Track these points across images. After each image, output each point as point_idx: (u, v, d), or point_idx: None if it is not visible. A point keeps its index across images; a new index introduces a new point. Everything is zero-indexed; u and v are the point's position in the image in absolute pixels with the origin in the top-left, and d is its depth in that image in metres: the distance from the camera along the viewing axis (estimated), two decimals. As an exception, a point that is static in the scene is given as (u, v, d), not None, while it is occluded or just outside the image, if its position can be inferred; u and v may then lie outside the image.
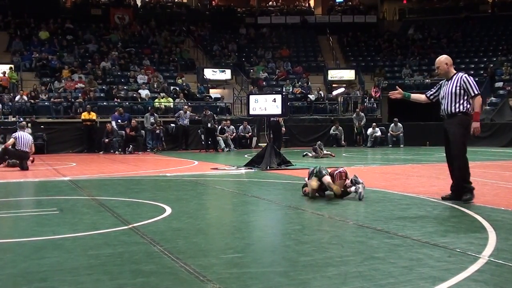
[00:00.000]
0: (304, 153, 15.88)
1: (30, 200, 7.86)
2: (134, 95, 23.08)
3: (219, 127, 20.72)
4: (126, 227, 5.13)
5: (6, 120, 19.88)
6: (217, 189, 8.71)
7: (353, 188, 6.85)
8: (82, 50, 26.82)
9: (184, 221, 5.45)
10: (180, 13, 33.69)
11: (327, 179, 6.77)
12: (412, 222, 5.18)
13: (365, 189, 6.95)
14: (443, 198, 6.56)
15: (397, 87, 7.43)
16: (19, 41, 26.33)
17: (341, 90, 26.54)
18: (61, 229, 5.08)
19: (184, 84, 25.13)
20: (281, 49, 31.03)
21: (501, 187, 7.96)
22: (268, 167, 11.45)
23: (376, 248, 4.13)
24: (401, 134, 21.49)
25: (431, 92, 6.84)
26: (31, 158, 13.37)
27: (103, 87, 23.62)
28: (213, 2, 37.69)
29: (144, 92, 23.18)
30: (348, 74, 28.89)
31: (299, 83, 27.06)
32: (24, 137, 12.55)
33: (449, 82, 6.47)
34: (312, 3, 38.76)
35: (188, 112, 20.55)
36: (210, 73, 26.93)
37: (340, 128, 22.06)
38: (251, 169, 11.56)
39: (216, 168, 11.99)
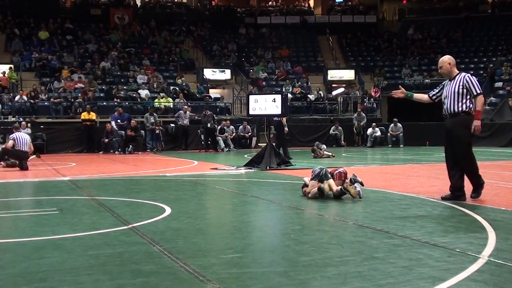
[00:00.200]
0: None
1: (30, 200, 7.85)
2: (134, 95, 23.08)
3: (219, 127, 20.73)
4: (125, 227, 5.13)
5: (6, 120, 19.87)
6: (216, 189, 8.71)
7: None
8: (82, 50, 26.82)
9: (184, 221, 5.45)
10: (180, 13, 33.69)
11: (331, 183, 6.76)
12: (411, 222, 5.18)
13: (365, 189, 6.95)
14: (443, 198, 6.57)
15: (400, 86, 7.49)
16: (18, 41, 26.32)
17: (341, 90, 26.55)
18: (61, 229, 5.07)
19: (183, 84, 25.13)
20: (281, 49, 31.03)
21: (501, 187, 7.96)
22: (268, 167, 11.45)
23: (375, 248, 4.13)
24: (401, 134, 21.49)
25: (434, 92, 6.87)
26: (37, 154, 13.44)
27: (103, 87, 23.62)
28: (213, 2, 37.69)
29: (143, 92, 23.18)
30: (348, 74, 28.91)
31: (299, 83, 27.06)
32: (22, 138, 12.57)
33: (452, 82, 6.50)
34: (311, 3, 38.75)
35: (188, 112, 20.56)
36: (209, 73, 26.94)
37: (340, 128, 22.06)
38: (251, 169, 11.55)
39: (216, 168, 11.99)
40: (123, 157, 17.11)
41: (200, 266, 3.65)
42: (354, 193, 6.55)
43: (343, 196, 6.73)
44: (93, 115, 19.89)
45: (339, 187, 6.72)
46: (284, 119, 13.70)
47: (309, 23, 34.10)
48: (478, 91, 6.37)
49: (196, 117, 20.92)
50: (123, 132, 19.21)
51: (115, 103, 21.73)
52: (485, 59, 28.95)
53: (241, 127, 21.42)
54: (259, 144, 20.62)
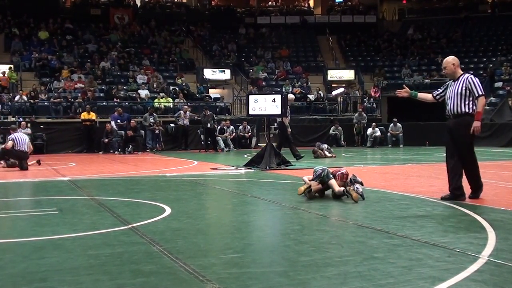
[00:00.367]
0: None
1: (29, 200, 7.85)
2: (134, 95, 23.08)
3: (219, 127, 20.73)
4: (125, 227, 5.13)
5: (5, 120, 19.87)
6: (216, 189, 8.71)
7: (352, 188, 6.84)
8: (82, 50, 26.82)
9: (184, 221, 5.45)
10: (180, 13, 33.70)
11: (333, 183, 6.74)
12: (411, 222, 5.18)
13: (365, 189, 6.95)
14: (443, 198, 6.58)
15: (404, 85, 7.52)
16: (18, 41, 26.32)
17: (341, 90, 26.55)
18: (61, 229, 5.08)
19: (183, 84, 25.13)
20: (281, 49, 31.04)
21: (501, 187, 7.96)
22: (267, 167, 11.44)
23: (375, 248, 4.13)
24: (401, 134, 21.49)
25: (438, 92, 6.89)
26: (38, 159, 13.56)
27: (103, 87, 23.63)
28: (213, 2, 37.69)
29: (143, 92, 23.18)
30: (348, 74, 28.92)
31: (299, 83, 27.06)
32: (21, 138, 12.58)
33: (456, 82, 6.55)
34: (311, 3, 38.76)
35: (187, 112, 20.56)
36: (209, 73, 26.94)
37: (339, 128, 22.06)
38: (251, 169, 11.55)
39: (216, 168, 11.99)
40: (123, 157, 17.11)
41: (200, 266, 3.65)
42: (355, 197, 6.50)
43: (343, 196, 6.74)
44: (93, 115, 19.89)
45: (342, 188, 6.70)
46: (287, 120, 13.66)
47: (309, 23, 34.11)
48: (480, 93, 6.41)
49: (196, 117, 20.92)
50: (123, 132, 19.22)
51: (115, 103, 21.72)
52: (485, 59, 28.95)
53: (241, 127, 21.42)
54: (259, 144, 20.62)
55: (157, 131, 20.10)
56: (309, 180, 7.04)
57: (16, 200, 7.72)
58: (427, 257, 3.81)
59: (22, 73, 23.94)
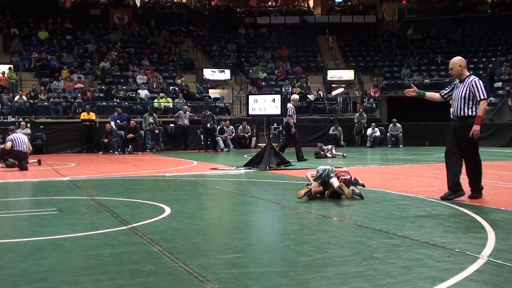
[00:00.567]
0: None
1: (29, 200, 7.85)
2: (133, 95, 23.07)
3: (219, 127, 20.73)
4: (125, 227, 5.13)
5: (5, 120, 19.86)
6: (216, 189, 8.71)
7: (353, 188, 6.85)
8: (82, 50, 26.80)
9: (183, 221, 5.45)
10: (180, 13, 33.68)
11: (334, 182, 6.71)
12: (411, 222, 5.19)
13: (365, 189, 6.95)
14: (442, 198, 6.58)
15: (411, 84, 7.55)
16: (18, 41, 26.31)
17: (340, 90, 26.55)
18: (61, 229, 5.08)
19: (183, 84, 25.12)
20: (281, 49, 31.03)
21: (500, 187, 7.96)
22: (267, 167, 11.44)
23: (375, 248, 4.13)
24: (400, 134, 21.49)
25: (446, 91, 6.91)
26: (38, 158, 13.59)
27: (103, 87, 23.62)
28: (213, 2, 37.69)
29: (143, 92, 23.17)
30: (347, 74, 28.92)
31: (298, 83, 27.05)
32: (20, 138, 12.59)
33: (461, 84, 6.59)
34: (311, 3, 38.76)
35: (187, 112, 20.55)
36: (209, 73, 26.94)
37: (339, 128, 22.06)
38: (250, 169, 11.55)
39: (216, 168, 11.99)
40: (122, 157, 17.11)
41: (199, 266, 3.65)
42: (348, 193, 6.46)
43: (342, 196, 6.73)
44: (92, 115, 19.89)
45: (337, 184, 6.68)
46: (292, 120, 13.62)
47: (309, 23, 34.10)
48: (482, 97, 6.43)
49: (195, 117, 20.92)
50: (122, 132, 19.22)
51: (115, 103, 21.73)
52: (484, 59, 28.95)
53: (240, 127, 21.42)
54: (258, 144, 20.61)
55: (156, 131, 20.10)
56: (312, 178, 6.99)
57: (16, 200, 7.72)
58: (426, 257, 3.81)
59: (21, 73, 23.94)
